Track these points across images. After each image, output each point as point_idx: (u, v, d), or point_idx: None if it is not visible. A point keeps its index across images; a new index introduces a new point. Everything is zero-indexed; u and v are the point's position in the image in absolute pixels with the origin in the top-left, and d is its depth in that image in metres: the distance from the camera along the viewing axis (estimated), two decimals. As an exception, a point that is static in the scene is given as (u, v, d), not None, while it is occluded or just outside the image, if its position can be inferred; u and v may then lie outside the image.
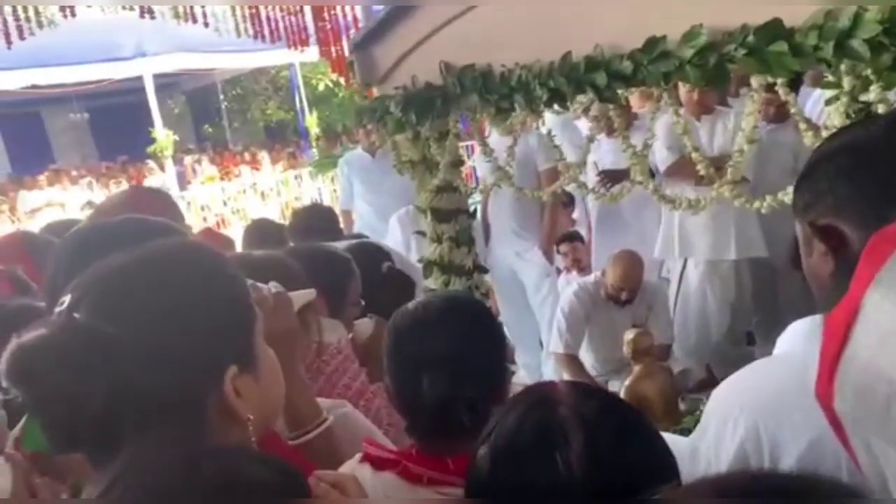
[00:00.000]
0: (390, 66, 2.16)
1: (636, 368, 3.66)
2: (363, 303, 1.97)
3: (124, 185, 11.10)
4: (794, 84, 3.27)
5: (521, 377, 4.81)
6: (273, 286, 1.26)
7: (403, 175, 2.33)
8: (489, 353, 1.21)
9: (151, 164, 11.64)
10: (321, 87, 13.28)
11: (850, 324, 0.52)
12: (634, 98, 3.95)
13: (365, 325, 1.91)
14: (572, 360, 3.86)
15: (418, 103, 2.04)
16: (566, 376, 3.93)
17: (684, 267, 4.08)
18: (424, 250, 2.37)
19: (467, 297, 1.32)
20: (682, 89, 3.80)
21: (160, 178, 11.41)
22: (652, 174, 2.97)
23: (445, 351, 1.17)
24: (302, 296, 1.36)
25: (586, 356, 3.97)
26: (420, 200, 2.30)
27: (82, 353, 0.73)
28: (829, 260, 0.86)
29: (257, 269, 1.38)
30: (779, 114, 3.66)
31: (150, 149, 11.53)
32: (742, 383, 1.14)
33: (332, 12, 5.52)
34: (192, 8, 5.03)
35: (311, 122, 12.49)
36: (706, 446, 1.10)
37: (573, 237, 4.68)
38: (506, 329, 5.06)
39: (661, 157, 3.79)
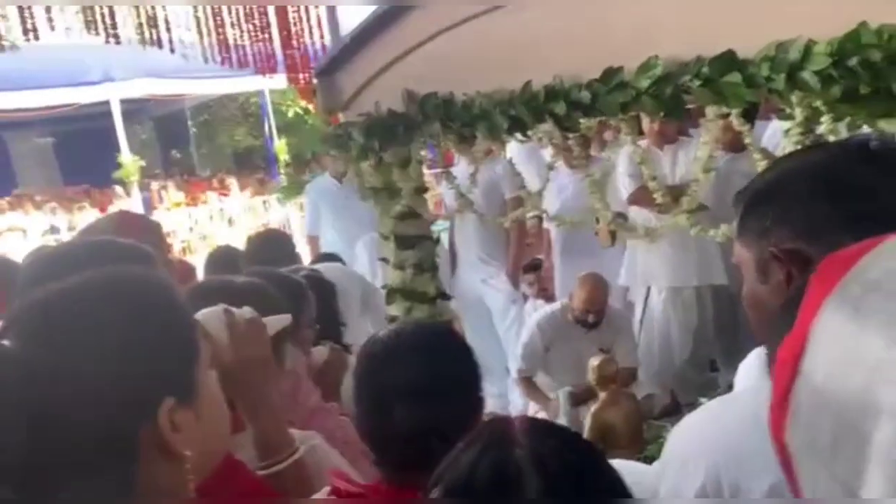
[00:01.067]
0: (353, 93, 2.16)
1: (602, 395, 3.67)
2: (318, 326, 1.96)
3: (89, 211, 10.99)
4: (750, 115, 3.35)
5: (489, 405, 4.79)
6: (247, 311, 1.24)
7: (367, 201, 2.32)
8: (463, 383, 1.18)
9: (118, 189, 11.50)
10: (291, 113, 13.29)
11: (800, 354, 0.51)
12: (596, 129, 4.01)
13: (319, 353, 1.89)
14: (529, 383, 3.92)
15: (381, 130, 2.04)
16: (522, 395, 3.97)
17: (648, 294, 4.12)
18: (388, 277, 2.36)
19: (441, 325, 1.29)
20: (645, 120, 3.88)
21: (126, 203, 11.26)
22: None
23: (418, 381, 1.13)
24: (277, 321, 1.33)
25: (552, 382, 3.97)
26: (383, 227, 2.29)
27: (5, 382, 0.70)
28: (783, 288, 0.85)
29: (236, 295, 1.36)
30: (737, 143, 3.73)
31: (117, 174, 11.39)
32: (700, 424, 1.13)
33: (301, 40, 5.52)
34: (158, 34, 4.99)
35: (280, 148, 12.46)
36: (666, 489, 1.08)
37: (537, 266, 4.71)
38: (474, 357, 5.07)
39: (623, 184, 3.84)
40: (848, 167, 0.87)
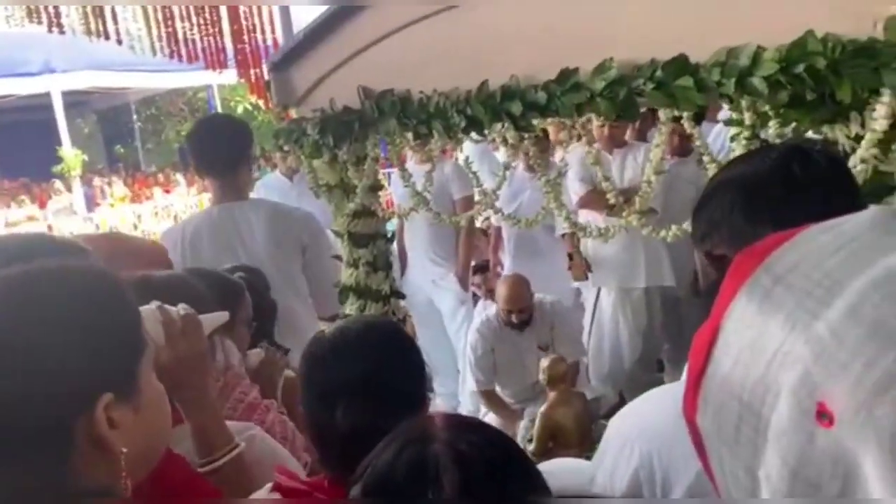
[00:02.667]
0: (308, 88, 2.14)
1: (551, 395, 3.71)
2: (255, 324, 1.94)
3: (28, 205, 10.64)
4: (698, 118, 3.42)
5: (438, 405, 4.80)
6: (182, 308, 1.22)
7: (320, 199, 2.30)
8: (407, 381, 1.18)
9: (58, 184, 11.17)
10: (240, 109, 13.08)
11: (712, 341, 0.54)
12: (553, 130, 4.06)
13: (255, 354, 1.88)
14: (490, 395, 3.89)
15: (335, 126, 2.02)
16: (486, 412, 3.93)
17: (598, 296, 4.19)
18: (341, 275, 2.34)
19: (386, 321, 1.29)
20: (595, 123, 3.94)
21: (67, 198, 10.96)
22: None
23: (360, 378, 1.13)
24: (213, 318, 1.31)
25: (499, 385, 3.99)
26: (337, 224, 2.27)
27: None
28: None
29: (161, 291, 1.33)
30: (683, 148, 3.83)
31: (57, 168, 11.06)
32: (638, 411, 1.17)
33: (252, 35, 5.45)
34: (104, 25, 4.86)
35: (230, 144, 12.24)
36: (602, 474, 1.11)
37: (485, 268, 4.73)
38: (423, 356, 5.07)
39: (573, 188, 3.91)
40: (767, 179, 0.91)
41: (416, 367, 1.22)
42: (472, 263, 4.73)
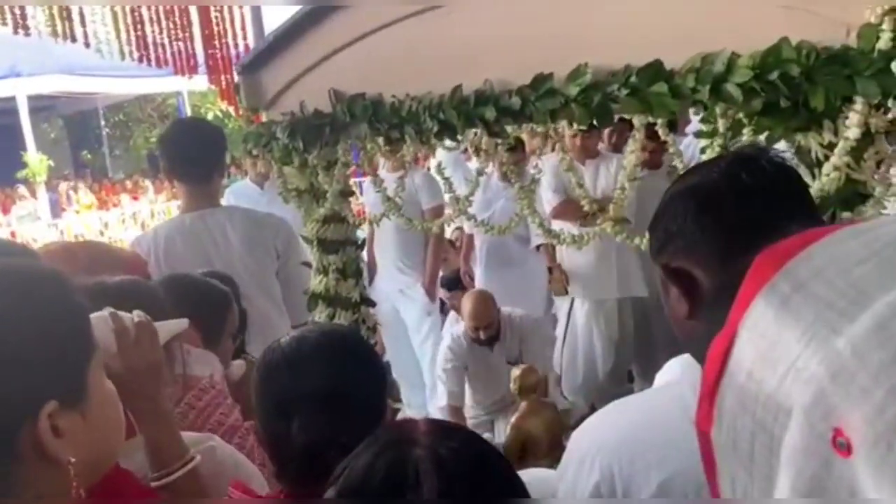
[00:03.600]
0: (278, 92, 2.10)
1: (522, 405, 3.69)
2: (241, 337, 1.90)
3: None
4: (672, 132, 3.44)
5: (407, 415, 4.76)
6: (136, 315, 1.17)
7: (290, 204, 2.25)
8: (366, 392, 1.14)
9: (22, 189, 10.94)
10: (210, 116, 12.96)
11: (728, 349, 0.50)
12: (527, 138, 4.06)
13: (237, 366, 1.82)
14: (457, 412, 3.85)
15: (306, 130, 1.98)
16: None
17: (571, 306, 4.19)
18: (310, 282, 2.30)
19: (344, 330, 1.25)
20: (567, 133, 3.95)
21: (31, 204, 10.75)
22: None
23: (317, 390, 1.09)
24: (171, 326, 1.27)
25: (469, 400, 3.97)
26: (307, 230, 2.23)
27: None
28: (683, 301, 0.88)
29: (116, 297, 1.29)
30: (654, 161, 3.85)
31: (21, 173, 10.84)
32: (598, 425, 1.16)
33: (223, 40, 5.39)
34: (71, 27, 4.76)
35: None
36: (564, 488, 1.09)
37: (455, 285, 4.69)
38: (391, 366, 5.02)
39: (546, 198, 3.91)
40: (717, 187, 0.91)
41: (376, 377, 1.18)
42: (442, 275, 4.71)
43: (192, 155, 2.34)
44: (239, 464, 1.36)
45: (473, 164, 4.35)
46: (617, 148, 4.12)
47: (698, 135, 1.85)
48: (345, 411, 1.07)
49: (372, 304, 2.32)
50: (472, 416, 3.99)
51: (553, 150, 1.98)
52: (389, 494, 0.74)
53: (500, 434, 3.84)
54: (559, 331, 4.25)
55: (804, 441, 0.44)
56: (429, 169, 5.39)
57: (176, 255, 2.33)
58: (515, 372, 3.62)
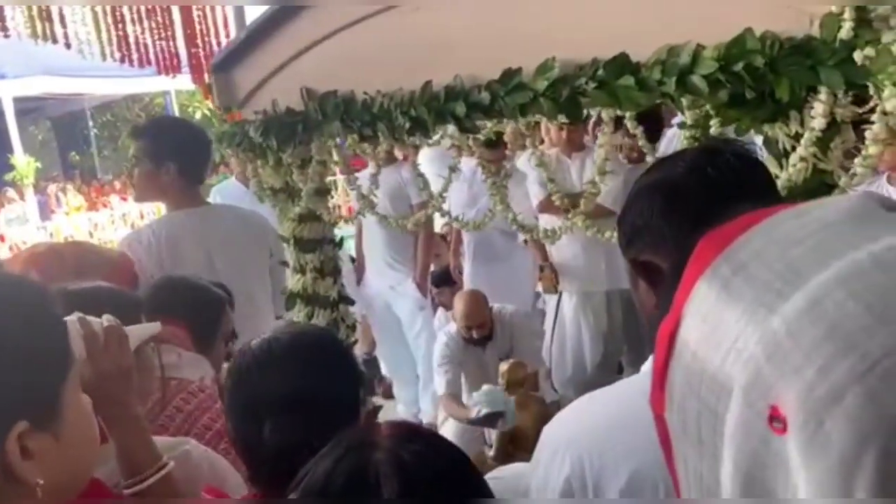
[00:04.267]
0: (251, 90, 2.08)
1: (510, 399, 3.69)
2: (234, 341, 1.88)
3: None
4: (656, 125, 3.43)
5: (399, 411, 4.76)
6: (106, 319, 1.16)
7: (264, 203, 2.24)
8: (338, 393, 1.13)
9: (10, 192, 10.89)
10: (198, 115, 12.91)
11: (674, 332, 0.51)
12: (510, 134, 4.04)
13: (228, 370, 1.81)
14: (454, 399, 3.80)
15: (279, 129, 1.97)
16: (446, 417, 3.86)
17: (559, 300, 4.19)
18: (288, 281, 2.29)
19: (316, 330, 1.24)
20: (552, 127, 3.94)
21: (20, 207, 10.69)
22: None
23: (287, 393, 1.08)
24: (142, 330, 1.25)
25: (463, 397, 3.95)
26: (283, 229, 2.22)
27: None
28: (651, 294, 0.88)
29: (87, 302, 1.27)
30: (639, 154, 3.84)
31: (9, 176, 10.78)
32: (570, 418, 1.15)
33: (206, 38, 5.36)
34: (51, 28, 4.73)
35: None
36: (536, 483, 1.09)
37: (444, 281, 4.68)
38: (382, 362, 5.02)
39: (532, 192, 3.90)
40: (683, 181, 0.91)
41: (348, 378, 1.17)
42: (432, 271, 4.70)
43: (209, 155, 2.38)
44: (214, 465, 1.35)
45: (467, 159, 4.34)
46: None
47: (682, 126, 1.85)
48: (317, 414, 1.06)
49: (350, 302, 2.31)
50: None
51: (531, 145, 1.97)
52: (350, 499, 0.73)
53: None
54: (548, 324, 4.25)
55: (743, 419, 0.44)
56: (416, 164, 5.38)
57: (184, 251, 2.32)
58: (503, 367, 3.62)
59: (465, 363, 3.80)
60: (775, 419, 0.42)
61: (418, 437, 0.81)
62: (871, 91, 1.17)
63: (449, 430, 3.83)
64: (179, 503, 1.18)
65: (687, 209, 0.88)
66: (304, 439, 1.01)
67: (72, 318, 1.11)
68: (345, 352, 1.26)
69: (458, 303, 3.73)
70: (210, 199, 5.26)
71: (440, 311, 4.64)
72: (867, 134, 1.25)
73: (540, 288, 4.16)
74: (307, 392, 1.09)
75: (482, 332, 3.71)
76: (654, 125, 3.03)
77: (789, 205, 0.53)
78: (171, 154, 2.34)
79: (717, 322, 0.47)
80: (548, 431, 1.17)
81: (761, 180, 1.01)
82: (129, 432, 1.15)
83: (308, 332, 1.27)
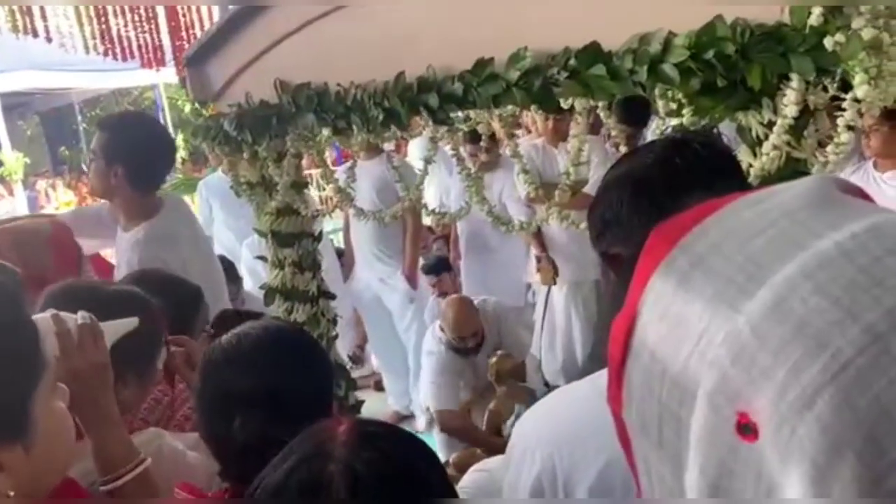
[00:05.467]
0: (225, 83, 2.06)
1: (499, 391, 3.69)
2: (212, 332, 1.88)
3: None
4: (644, 114, 3.41)
5: (390, 403, 4.75)
6: (81, 316, 1.14)
7: (241, 197, 2.22)
8: (308, 389, 1.12)
9: (-1, 188, 10.84)
10: (187, 109, 12.84)
11: (630, 329, 0.49)
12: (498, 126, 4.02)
13: None
14: (454, 416, 3.67)
15: (253, 122, 1.95)
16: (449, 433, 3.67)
17: (549, 290, 4.18)
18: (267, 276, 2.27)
19: (287, 326, 1.24)
20: (538, 117, 3.91)
21: (9, 203, 10.63)
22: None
23: (256, 388, 1.08)
24: (119, 326, 1.24)
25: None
26: (260, 224, 2.20)
27: None
28: (621, 287, 0.86)
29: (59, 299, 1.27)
30: (628, 143, 3.82)
31: (-3, 172, 10.74)
32: (540, 415, 1.14)
33: (191, 31, 5.31)
34: (32, 22, 4.67)
35: (177, 144, 12.03)
36: (508, 480, 1.08)
37: (439, 268, 4.66)
38: (374, 355, 5.01)
39: (520, 183, 3.88)
40: (651, 173, 0.90)
41: (318, 374, 1.17)
42: (426, 260, 4.70)
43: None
44: (184, 455, 1.35)
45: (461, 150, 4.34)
46: (593, 129, 4.07)
47: (668, 114, 1.83)
48: (286, 409, 1.06)
49: (331, 296, 2.30)
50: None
51: (507, 136, 1.95)
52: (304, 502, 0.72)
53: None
54: (537, 314, 4.25)
55: (710, 426, 0.42)
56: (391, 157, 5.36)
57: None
58: (492, 359, 3.62)
59: (461, 373, 3.71)
60: (744, 426, 0.40)
61: (376, 442, 0.79)
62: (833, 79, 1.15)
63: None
64: (152, 503, 1.17)
65: (655, 201, 0.87)
66: (274, 435, 1.00)
67: (44, 316, 1.11)
68: (315, 347, 1.25)
69: (448, 312, 3.62)
70: (197, 193, 5.24)
71: (431, 299, 4.64)
72: (839, 121, 1.23)
73: (537, 279, 4.13)
74: (276, 387, 1.09)
75: (476, 340, 3.64)
76: (642, 110, 3.01)
77: (744, 192, 0.51)
78: (121, 155, 2.16)
79: (677, 320, 0.45)
80: (518, 428, 1.16)
81: (730, 170, 1.00)
82: (105, 430, 1.14)
83: (278, 327, 1.26)
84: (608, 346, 0.53)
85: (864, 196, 0.50)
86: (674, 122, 1.72)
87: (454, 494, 0.82)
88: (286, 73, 1.93)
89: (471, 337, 3.60)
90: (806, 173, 1.31)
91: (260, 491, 0.76)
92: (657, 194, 0.89)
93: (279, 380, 1.10)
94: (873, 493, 0.36)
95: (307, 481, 0.73)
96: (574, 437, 1.05)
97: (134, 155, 2.14)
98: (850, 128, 1.23)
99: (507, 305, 3.94)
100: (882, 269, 0.39)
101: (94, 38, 5.05)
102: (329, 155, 7.60)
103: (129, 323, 1.27)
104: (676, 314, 0.45)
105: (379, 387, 4.98)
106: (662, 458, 0.47)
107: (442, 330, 3.64)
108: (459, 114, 1.76)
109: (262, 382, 1.09)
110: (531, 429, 1.14)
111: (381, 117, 1.73)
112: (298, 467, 0.75)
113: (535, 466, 1.06)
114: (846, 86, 1.23)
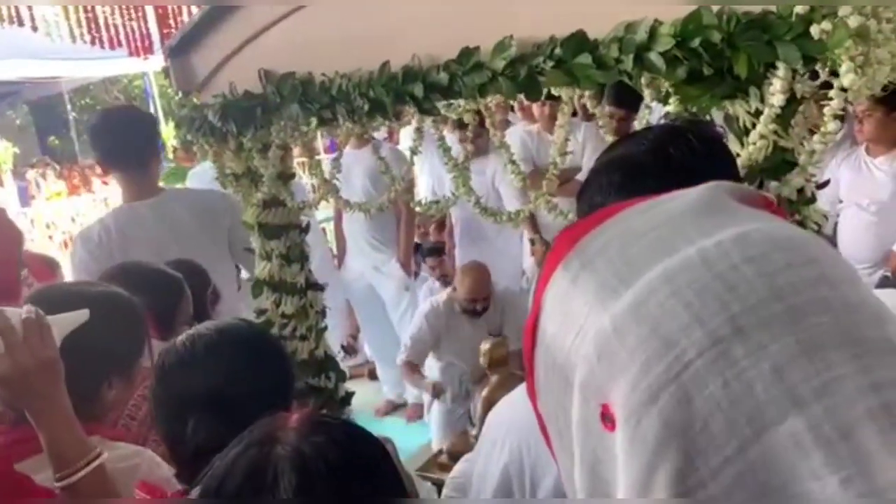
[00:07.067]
0: (209, 73, 2.03)
1: (492, 379, 3.69)
2: (195, 323, 1.87)
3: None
4: (635, 100, 3.40)
5: (384, 392, 4.75)
6: (26, 311, 1.12)
7: (227, 189, 2.20)
8: (263, 391, 1.11)
9: (-11, 178, 10.75)
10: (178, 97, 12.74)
11: (535, 325, 0.51)
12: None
13: None
14: (412, 367, 3.89)
15: (237, 112, 1.93)
16: (405, 379, 3.98)
17: (541, 276, 4.18)
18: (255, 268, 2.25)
19: (242, 327, 1.23)
20: (535, 103, 3.89)
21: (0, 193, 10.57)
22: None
23: (211, 390, 1.08)
24: (69, 319, 1.21)
25: (445, 371, 3.95)
26: (247, 216, 2.18)
27: None
28: None
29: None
30: (621, 129, 3.80)
31: (-13, 162, 10.64)
32: (510, 406, 1.14)
33: (179, 18, 5.26)
34: (17, 10, 4.62)
35: (168, 133, 11.94)
36: (478, 470, 1.09)
37: (439, 251, 4.67)
38: (366, 344, 5.00)
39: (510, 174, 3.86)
40: (644, 161, 0.89)
41: (275, 375, 1.15)
42: (424, 246, 4.69)
43: (131, 142, 2.31)
44: (162, 479, 1.33)
45: (451, 137, 4.31)
46: (589, 116, 4.06)
47: (662, 100, 1.81)
48: (240, 411, 1.04)
49: (319, 287, 2.28)
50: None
51: (496, 125, 1.93)
52: (247, 495, 0.72)
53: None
54: (531, 301, 4.25)
55: (582, 416, 0.45)
56: (397, 144, 5.32)
57: (131, 248, 2.29)
58: (485, 345, 3.62)
59: (449, 334, 3.81)
60: (606, 417, 0.43)
61: (324, 428, 0.79)
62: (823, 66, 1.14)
63: (436, 409, 3.85)
64: (106, 503, 1.16)
65: (645, 188, 0.85)
66: (228, 437, 1.00)
67: None
68: (272, 347, 1.24)
69: (466, 277, 3.76)
70: (187, 183, 5.20)
71: (427, 283, 4.63)
72: (825, 110, 1.22)
73: (531, 262, 4.15)
74: (229, 390, 1.08)
75: (485, 305, 3.77)
76: (634, 93, 2.99)
77: (647, 196, 0.53)
78: (94, 144, 2.42)
79: (565, 317, 0.48)
80: (490, 419, 1.16)
81: (723, 163, 0.99)
82: (57, 425, 1.12)
83: (233, 328, 1.24)
84: (523, 340, 0.56)
85: (768, 205, 0.51)
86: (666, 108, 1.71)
87: (404, 488, 0.82)
88: (271, 62, 1.90)
89: (482, 301, 3.75)
90: (794, 162, 1.30)
91: (209, 475, 0.77)
92: (647, 181, 0.87)
93: (232, 382, 1.09)
94: (694, 484, 0.39)
95: (254, 464, 0.74)
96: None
97: (103, 141, 2.37)
98: (837, 116, 1.21)
99: (512, 291, 3.99)
100: (736, 277, 0.41)
101: (80, 26, 4.99)
102: (322, 143, 7.56)
103: (80, 315, 1.23)
104: (565, 312, 0.47)
105: (373, 376, 4.98)
106: (561, 447, 0.49)
107: (454, 290, 3.82)
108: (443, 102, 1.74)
109: (214, 385, 1.09)
110: (502, 419, 1.15)
111: (366, 107, 1.71)
112: (246, 451, 0.76)
113: (503, 456, 1.07)
114: (833, 74, 1.22)
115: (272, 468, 0.72)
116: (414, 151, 1.91)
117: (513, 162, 1.76)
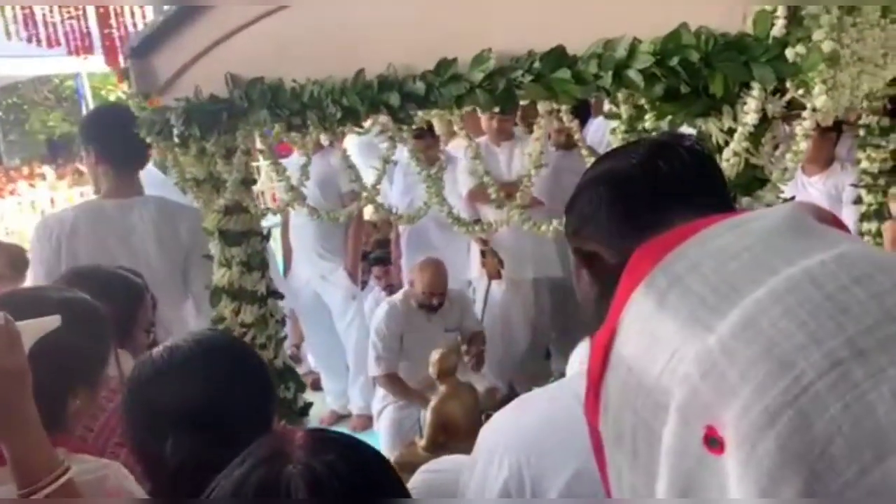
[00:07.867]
0: (172, 76, 1.99)
1: (441, 388, 3.69)
2: (154, 330, 1.83)
3: None
4: (582, 113, 3.48)
5: (328, 403, 4.70)
6: None
7: (187, 194, 2.15)
8: (244, 407, 1.07)
9: None
10: (113, 98, 12.37)
11: (609, 343, 0.50)
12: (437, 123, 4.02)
13: None
14: (394, 379, 3.83)
15: (201, 116, 1.88)
16: (385, 405, 3.85)
17: (489, 287, 4.22)
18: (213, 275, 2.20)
19: (221, 338, 1.18)
20: (483, 116, 3.93)
21: (-83, 194, 10.02)
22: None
23: (191, 407, 1.03)
24: (38, 325, 1.14)
25: (406, 370, 3.93)
26: (207, 222, 2.13)
27: None
28: (594, 285, 0.87)
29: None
30: (568, 141, 3.88)
31: None
32: (508, 419, 1.15)
33: (120, 18, 5.11)
34: (-52, 4, 4.41)
35: (102, 135, 11.56)
36: (473, 485, 1.08)
37: (385, 260, 4.67)
38: (311, 355, 4.94)
39: (462, 181, 3.90)
40: (633, 174, 0.90)
41: (256, 388, 1.11)
42: (371, 255, 4.67)
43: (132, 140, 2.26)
44: (131, 492, 1.28)
45: (384, 144, 4.32)
46: (531, 127, 4.13)
47: (609, 116, 1.85)
48: (222, 429, 1.01)
49: (280, 296, 2.25)
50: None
51: (465, 137, 1.94)
52: None
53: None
54: (477, 310, 4.28)
55: (679, 438, 0.44)
56: (346, 150, 5.28)
57: (77, 244, 2.28)
58: (434, 356, 3.62)
59: (408, 332, 3.83)
60: (712, 439, 0.42)
61: (332, 445, 0.79)
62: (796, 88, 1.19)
63: (386, 419, 3.82)
64: (87, 502, 1.11)
65: (634, 202, 0.87)
66: (209, 457, 0.94)
67: None
68: (252, 359, 1.20)
69: (423, 272, 3.80)
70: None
71: (374, 293, 4.61)
72: (797, 129, 1.27)
73: (478, 272, 4.21)
74: (210, 406, 1.04)
75: (440, 300, 3.81)
76: (581, 112, 3.06)
77: (726, 214, 0.53)
78: (88, 139, 2.41)
79: (653, 337, 0.46)
80: (484, 434, 1.16)
81: (711, 178, 1.01)
82: (22, 438, 1.06)
83: (210, 339, 1.20)
84: (589, 359, 0.54)
85: (838, 223, 0.52)
86: (613, 122, 1.75)
87: (408, 496, 0.82)
88: (238, 66, 1.87)
89: (439, 296, 3.79)
90: (764, 179, 1.36)
91: (215, 494, 0.75)
92: (636, 195, 0.88)
93: (212, 398, 1.05)
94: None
95: (266, 482, 0.72)
96: (541, 443, 1.06)
97: (101, 136, 2.40)
98: (807, 136, 1.27)
99: (465, 294, 4.04)
100: (848, 298, 0.41)
101: (15, 22, 4.79)
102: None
103: (51, 321, 1.17)
104: (653, 330, 0.47)
105: (316, 386, 4.91)
106: (636, 467, 0.48)
107: (411, 285, 3.87)
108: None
109: (194, 401, 1.04)
110: (498, 434, 1.14)
111: (338, 115, 1.70)
112: (256, 469, 0.74)
113: (502, 472, 1.06)
114: (801, 95, 1.27)
115: (284, 486, 0.71)
116: (387, 160, 1.90)
117: (488, 173, 1.77)
